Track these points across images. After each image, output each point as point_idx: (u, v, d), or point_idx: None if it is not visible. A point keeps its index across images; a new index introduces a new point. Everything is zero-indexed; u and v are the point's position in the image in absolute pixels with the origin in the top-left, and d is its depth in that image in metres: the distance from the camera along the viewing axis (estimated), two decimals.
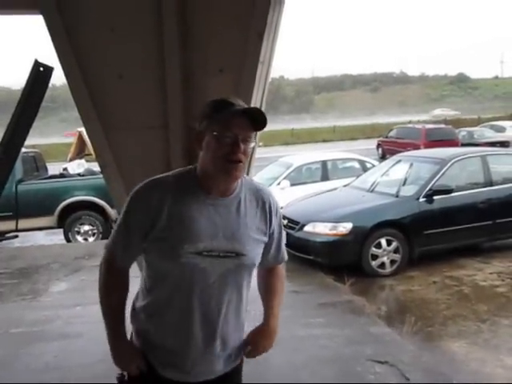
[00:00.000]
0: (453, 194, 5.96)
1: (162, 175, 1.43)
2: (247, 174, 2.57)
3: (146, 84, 2.38)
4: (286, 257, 1.61)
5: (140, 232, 1.38)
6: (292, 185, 8.47)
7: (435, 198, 5.86)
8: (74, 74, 2.39)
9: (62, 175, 8.83)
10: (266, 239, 1.48)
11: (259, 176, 9.23)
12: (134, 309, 1.51)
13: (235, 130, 1.33)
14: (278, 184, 8.52)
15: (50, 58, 2.57)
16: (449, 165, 6.20)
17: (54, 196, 7.79)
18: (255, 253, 1.44)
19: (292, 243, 6.02)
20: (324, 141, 30.48)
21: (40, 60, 2.44)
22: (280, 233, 1.54)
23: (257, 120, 1.35)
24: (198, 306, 1.38)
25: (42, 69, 1.98)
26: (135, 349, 1.47)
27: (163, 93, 2.38)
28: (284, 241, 1.58)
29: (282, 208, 6.94)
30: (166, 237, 1.35)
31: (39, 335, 3.92)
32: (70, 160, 12.22)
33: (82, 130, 11.09)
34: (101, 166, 2.60)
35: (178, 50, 2.37)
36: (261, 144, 26.87)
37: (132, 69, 2.40)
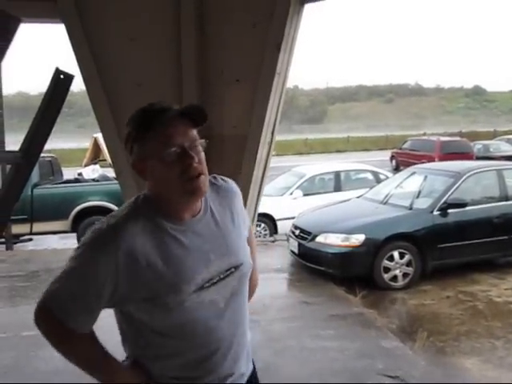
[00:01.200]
0: (467, 208, 5.89)
1: (116, 217, 1.14)
2: (261, 184, 2.58)
3: (163, 92, 2.41)
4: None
5: (106, 293, 1.09)
6: (305, 195, 8.46)
7: (449, 211, 5.80)
8: (93, 81, 2.44)
9: (76, 180, 8.95)
10: (246, 234, 1.33)
11: (272, 186, 9.23)
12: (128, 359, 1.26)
13: (177, 140, 1.10)
14: (291, 194, 8.52)
15: (69, 64, 2.62)
16: (464, 178, 6.13)
17: (68, 200, 7.89)
18: (247, 255, 1.28)
19: (303, 253, 6.00)
20: (337, 151, 30.40)
21: (61, 67, 2.49)
22: (250, 224, 1.39)
23: (194, 115, 1.12)
24: (219, 340, 1.20)
25: (62, 76, 2.02)
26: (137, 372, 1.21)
27: (180, 102, 2.40)
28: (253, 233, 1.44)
29: (293, 218, 6.98)
30: (154, 292, 1.10)
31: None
32: (85, 165, 12.38)
33: (98, 135, 11.24)
34: (116, 173, 2.63)
35: (195, 60, 2.40)
36: (274, 153, 26.78)
37: (150, 77, 2.43)
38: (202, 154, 1.14)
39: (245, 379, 1.34)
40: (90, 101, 2.50)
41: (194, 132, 1.14)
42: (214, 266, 1.18)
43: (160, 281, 1.11)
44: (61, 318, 1.13)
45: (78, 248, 1.13)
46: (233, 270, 1.22)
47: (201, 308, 1.16)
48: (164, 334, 1.17)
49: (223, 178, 1.33)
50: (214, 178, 1.30)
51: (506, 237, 5.94)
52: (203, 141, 1.15)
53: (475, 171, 6.36)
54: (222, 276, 1.19)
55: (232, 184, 1.33)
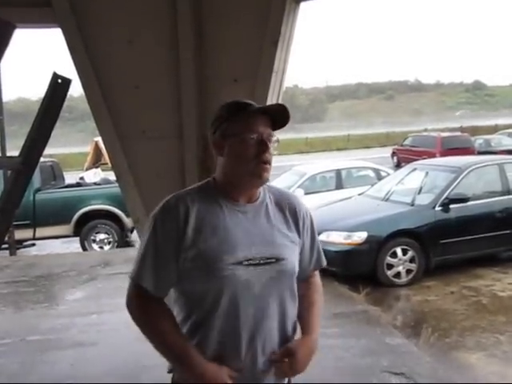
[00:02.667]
0: (469, 203, 5.88)
1: (181, 190, 1.34)
2: None
3: (161, 94, 2.42)
4: (324, 262, 1.49)
5: (171, 253, 1.25)
6: (306, 193, 8.44)
7: (451, 206, 5.79)
8: (92, 84, 2.44)
9: (78, 184, 8.96)
10: (299, 241, 1.38)
11: (273, 184, 9.21)
12: None
13: (259, 129, 1.28)
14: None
15: (68, 69, 2.63)
16: (465, 173, 6.13)
17: (70, 205, 7.89)
18: (294, 257, 1.34)
19: None
20: (338, 149, 30.40)
21: (58, 72, 2.49)
22: (314, 235, 1.45)
23: (277, 117, 1.31)
24: (244, 324, 1.25)
25: (60, 81, 2.02)
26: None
27: (178, 103, 2.41)
28: (319, 244, 1.48)
29: None
30: (200, 252, 1.24)
31: (55, 343, 3.95)
32: (87, 169, 12.42)
33: (99, 139, 11.26)
34: (116, 176, 2.63)
35: (193, 61, 2.40)
36: (275, 153, 26.79)
37: (148, 79, 2.44)
38: (273, 150, 1.31)
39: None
40: (88, 104, 2.50)
41: (271, 131, 1.31)
42: (257, 249, 1.27)
43: (206, 246, 1.24)
44: (150, 290, 1.27)
45: (150, 218, 1.31)
46: (274, 260, 1.29)
47: (236, 283, 1.24)
48: (200, 304, 1.26)
49: (288, 190, 1.53)
50: (280, 188, 1.50)
51: (508, 231, 5.93)
52: (277, 139, 1.33)
53: (476, 166, 6.35)
54: (261, 261, 1.27)
55: (297, 197, 1.47)
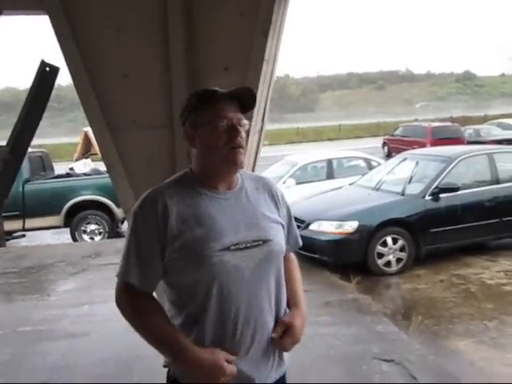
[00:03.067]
0: (459, 192, 5.93)
1: (159, 184, 1.34)
2: (252, 171, 2.58)
3: (151, 83, 2.39)
4: (300, 242, 1.53)
5: (155, 247, 1.26)
6: (297, 183, 8.46)
7: (441, 196, 5.84)
8: (80, 73, 2.40)
9: (68, 175, 8.88)
10: (282, 222, 1.41)
11: (264, 175, 9.21)
12: None
13: (228, 115, 1.29)
14: (284, 183, 8.51)
15: (57, 57, 2.59)
16: (455, 163, 6.17)
17: (60, 195, 7.84)
18: (280, 237, 1.37)
19: None
20: (329, 139, 30.43)
21: (46, 60, 2.46)
22: (290, 217, 1.48)
23: (245, 101, 1.32)
24: (238, 309, 1.26)
25: (48, 69, 1.99)
26: (215, 351, 1.25)
27: (168, 92, 2.39)
28: (295, 225, 1.52)
29: None
30: (186, 243, 1.24)
31: (47, 334, 3.94)
32: (77, 160, 12.29)
33: (88, 129, 11.14)
34: (107, 166, 2.61)
35: (184, 49, 2.37)
36: (266, 143, 26.88)
37: (137, 68, 2.41)
38: (244, 134, 1.32)
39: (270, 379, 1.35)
40: (77, 94, 2.47)
41: (241, 114, 1.32)
42: (242, 233, 1.29)
43: (192, 236, 1.24)
44: (137, 285, 1.27)
45: (131, 215, 1.32)
46: (260, 242, 1.30)
47: (225, 269, 1.24)
48: (191, 294, 1.26)
49: (263, 175, 1.54)
50: (255, 173, 1.53)
51: (497, 220, 5.99)
52: (248, 122, 1.34)
53: (466, 156, 6.39)
54: (248, 245, 1.28)
55: (270, 180, 1.48)
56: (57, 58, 2.59)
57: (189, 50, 2.36)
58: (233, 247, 1.26)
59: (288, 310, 1.44)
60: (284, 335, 1.36)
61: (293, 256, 1.57)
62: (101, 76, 2.41)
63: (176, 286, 1.29)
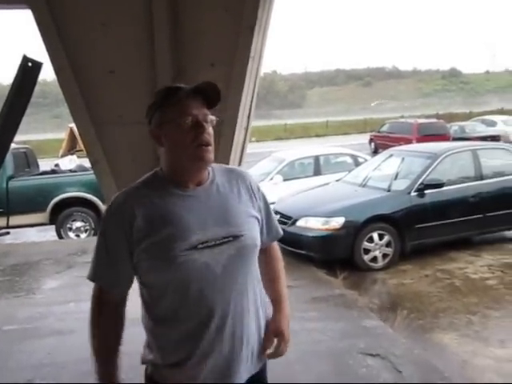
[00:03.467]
0: (444, 188, 6.00)
1: (130, 185, 1.33)
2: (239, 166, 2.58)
3: (136, 79, 2.38)
4: (280, 231, 1.52)
5: (123, 249, 1.25)
6: (285, 180, 8.47)
7: (427, 192, 5.90)
8: (64, 69, 2.38)
9: (53, 171, 8.78)
10: (257, 215, 1.39)
11: (252, 171, 9.21)
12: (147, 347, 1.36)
13: (193, 112, 1.26)
14: (271, 179, 8.52)
15: (41, 52, 2.56)
16: (440, 159, 6.24)
17: (45, 192, 7.74)
18: (254, 231, 1.34)
19: (284, 238, 5.97)
20: (317, 136, 30.52)
21: (29, 55, 2.42)
22: (268, 208, 1.46)
23: (210, 96, 1.29)
24: (213, 306, 1.24)
25: (30, 64, 1.96)
26: None
27: (154, 88, 2.37)
28: (274, 215, 1.50)
29: (274, 203, 7.02)
30: (152, 244, 1.23)
31: (32, 332, 3.90)
32: (62, 156, 12.17)
33: (73, 125, 11.02)
34: (91, 162, 2.59)
35: (169, 45, 2.36)
36: (254, 139, 26.86)
37: (123, 64, 2.39)
38: (211, 130, 1.29)
39: (248, 373, 1.34)
40: (61, 89, 2.45)
41: (206, 110, 1.29)
42: (211, 231, 1.26)
43: (158, 236, 1.22)
44: (106, 287, 1.30)
45: (102, 219, 1.33)
46: (231, 238, 1.28)
47: (194, 268, 1.23)
48: (162, 294, 1.26)
49: (237, 167, 1.53)
50: (228, 166, 1.50)
51: (480, 215, 6.08)
52: (214, 118, 1.31)
53: (451, 152, 6.46)
54: (218, 242, 1.26)
55: (245, 171, 1.46)
56: (41, 53, 2.56)
57: (174, 47, 2.35)
58: (201, 245, 1.24)
59: (270, 305, 1.46)
60: (276, 343, 1.42)
61: (276, 246, 1.56)
62: (85, 71, 2.38)
63: (147, 285, 1.29)
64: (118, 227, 1.25)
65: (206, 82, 1.29)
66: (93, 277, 1.31)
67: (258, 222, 1.39)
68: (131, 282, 1.31)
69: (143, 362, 1.37)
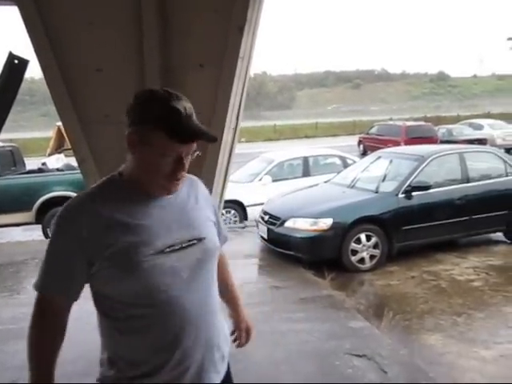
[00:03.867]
0: (431, 191, 6.06)
1: (84, 191, 1.29)
2: (227, 170, 2.58)
3: (124, 78, 2.36)
4: (228, 235, 1.55)
5: (78, 258, 1.19)
6: (273, 181, 8.49)
7: (414, 194, 5.95)
8: (51, 67, 2.35)
9: (40, 170, 8.68)
10: (213, 219, 1.41)
11: (241, 172, 9.23)
12: (106, 364, 1.30)
13: (181, 149, 1.20)
14: (260, 180, 8.54)
15: (27, 49, 2.53)
16: (427, 161, 6.30)
17: (32, 191, 7.65)
18: (213, 234, 1.36)
19: (273, 239, 6.06)
20: (306, 137, 30.62)
21: (15, 52, 2.39)
22: (217, 212, 1.48)
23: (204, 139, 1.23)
24: (182, 309, 1.23)
25: (16, 61, 1.94)
26: None
27: (142, 87, 2.36)
28: (222, 220, 1.54)
29: (263, 204, 7.02)
30: (116, 251, 1.17)
31: (16, 333, 3.83)
32: (49, 155, 12.02)
33: (61, 124, 10.89)
34: (78, 161, 2.56)
35: (158, 44, 2.35)
36: (243, 140, 26.86)
37: (111, 62, 2.36)
38: (189, 158, 1.25)
39: (220, 376, 1.36)
40: (47, 87, 2.42)
41: (194, 145, 1.23)
42: (176, 234, 1.25)
43: (122, 243, 1.18)
44: (52, 295, 1.24)
45: (53, 225, 1.24)
46: (195, 241, 1.28)
47: (161, 273, 1.20)
48: (130, 303, 1.21)
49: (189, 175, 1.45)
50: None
51: (467, 217, 6.15)
52: (198, 153, 1.26)
53: (438, 155, 6.53)
54: (183, 245, 1.25)
55: (196, 178, 1.44)
56: (28, 50, 2.53)
57: (163, 46, 2.33)
58: (167, 249, 1.22)
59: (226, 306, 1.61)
60: (247, 338, 1.67)
61: (225, 258, 1.61)
62: (73, 69, 2.35)
63: (108, 296, 1.23)
64: (73, 236, 1.19)
65: (210, 135, 1.23)
66: (41, 287, 1.23)
67: (215, 225, 1.41)
68: (81, 292, 1.25)
69: (103, 381, 1.31)
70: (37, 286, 1.24)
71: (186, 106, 1.20)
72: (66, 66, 2.35)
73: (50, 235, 1.25)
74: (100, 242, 1.18)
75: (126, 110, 1.25)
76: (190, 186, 1.38)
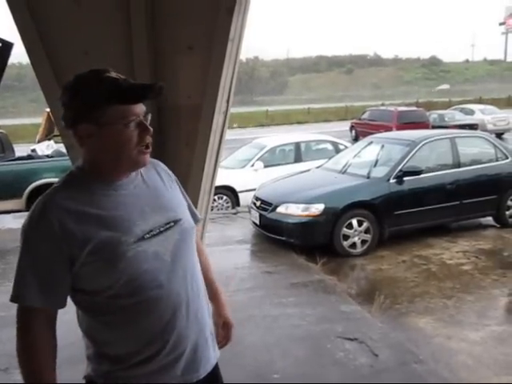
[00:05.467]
0: (422, 176, 6.08)
1: (48, 191, 1.22)
2: (218, 154, 2.55)
3: (112, 61, 2.30)
4: (199, 215, 1.52)
5: (59, 261, 1.15)
6: (265, 166, 8.47)
7: (405, 179, 5.97)
8: (37, 50, 2.29)
9: (29, 157, 8.58)
10: (183, 200, 1.40)
11: (233, 158, 9.19)
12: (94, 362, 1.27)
13: (136, 110, 1.17)
14: (252, 166, 8.51)
15: (12, 32, 2.47)
16: (419, 147, 6.31)
17: (21, 178, 7.58)
18: (187, 214, 1.35)
19: (265, 224, 6.06)
20: (298, 123, 30.51)
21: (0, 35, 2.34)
22: (184, 193, 1.45)
23: (151, 95, 1.20)
24: (169, 294, 1.22)
25: (0, 44, 1.88)
26: None
27: (130, 70, 2.31)
28: (189, 200, 1.50)
29: (255, 190, 7.02)
30: (98, 245, 1.15)
31: (7, 320, 3.82)
32: (39, 141, 11.88)
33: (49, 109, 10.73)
34: (66, 147, 2.52)
35: (146, 27, 2.30)
36: (235, 125, 26.68)
37: (98, 45, 2.31)
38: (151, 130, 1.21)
39: (211, 362, 1.36)
40: (34, 71, 2.37)
41: (143, 105, 1.20)
42: (151, 219, 1.23)
43: (101, 236, 1.15)
44: (38, 305, 1.17)
45: (21, 234, 1.18)
46: (172, 223, 1.27)
47: (146, 260, 1.19)
48: (117, 296, 1.18)
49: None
50: None
51: (457, 202, 6.19)
52: (150, 114, 1.22)
53: (429, 140, 6.54)
54: (161, 229, 1.24)
55: (158, 161, 1.41)
56: (13, 33, 2.47)
57: (151, 28, 2.29)
58: (147, 235, 1.20)
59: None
60: (227, 334, 1.58)
61: (198, 236, 1.55)
62: (59, 53, 2.30)
63: (95, 291, 1.19)
64: (49, 238, 1.14)
65: (156, 84, 1.19)
66: (23, 299, 1.16)
67: (185, 206, 1.40)
68: (66, 297, 1.21)
69: (93, 376, 1.28)
70: (20, 299, 1.17)
71: (115, 73, 1.19)
72: (51, 49, 2.30)
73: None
74: (77, 239, 1.14)
75: (62, 110, 1.21)
76: (154, 170, 1.35)
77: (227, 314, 1.58)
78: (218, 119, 2.36)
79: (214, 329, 1.48)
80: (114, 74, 1.19)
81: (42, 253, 1.15)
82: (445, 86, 62.08)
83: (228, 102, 2.44)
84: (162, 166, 1.41)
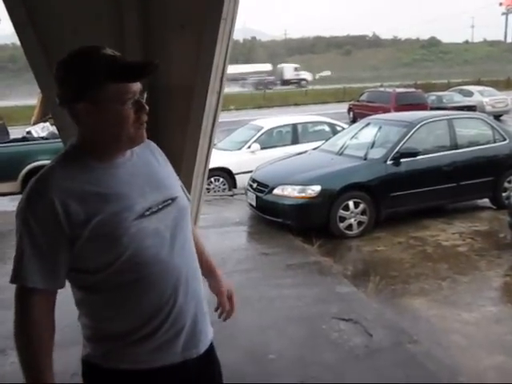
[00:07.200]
0: (419, 157, 6.05)
1: (44, 169, 1.21)
2: (211, 134, 2.52)
3: (102, 40, 2.23)
4: (189, 196, 1.51)
5: (58, 240, 1.14)
6: (262, 148, 8.43)
7: (402, 160, 5.95)
8: (25, 28, 2.24)
9: (24, 139, 8.51)
10: (177, 178, 1.42)
11: (229, 140, 9.14)
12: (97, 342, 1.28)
13: (133, 88, 1.17)
14: (249, 147, 8.47)
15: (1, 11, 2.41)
16: (416, 128, 6.27)
17: (16, 160, 7.53)
18: (182, 192, 1.38)
19: (261, 206, 6.06)
20: (296, 104, 30.28)
21: None
22: (175, 173, 1.46)
23: (146, 73, 1.20)
24: (170, 270, 1.24)
25: None
26: None
27: (121, 49, 2.25)
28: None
29: (251, 171, 6.98)
30: (100, 222, 1.15)
31: (2, 302, 3.83)
32: (34, 123, 11.77)
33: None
34: (58, 129, 2.49)
35: (137, 5, 2.25)
36: (232, 107, 26.49)
37: (87, 23, 2.26)
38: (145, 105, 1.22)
39: (209, 337, 1.39)
40: (23, 51, 2.32)
41: (139, 84, 1.20)
42: (151, 196, 1.25)
43: (103, 213, 1.16)
44: (41, 286, 1.17)
45: (18, 215, 1.16)
46: (170, 201, 1.29)
47: (146, 236, 1.21)
48: (118, 272, 1.19)
49: None
50: None
51: (454, 184, 6.18)
52: (146, 93, 1.22)
53: (427, 121, 6.49)
54: (160, 206, 1.26)
55: (150, 141, 1.38)
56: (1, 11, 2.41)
57: (141, 6, 2.23)
58: (147, 212, 1.22)
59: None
60: (231, 304, 1.62)
61: (195, 227, 1.63)
62: (48, 31, 2.24)
63: (97, 269, 1.19)
64: (49, 218, 1.13)
65: (151, 62, 1.22)
66: (25, 280, 1.15)
67: (180, 184, 1.42)
68: (65, 277, 1.21)
69: (91, 356, 1.28)
70: (20, 280, 1.16)
71: (111, 50, 1.19)
72: (40, 27, 2.24)
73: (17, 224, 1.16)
74: (79, 218, 1.14)
75: (56, 89, 1.19)
76: (148, 149, 1.36)
77: (227, 282, 1.62)
78: (211, 99, 2.33)
79: (218, 299, 1.59)
80: (109, 51, 1.18)
81: (42, 233, 1.14)
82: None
83: (221, 81, 2.40)
84: (153, 144, 1.41)
